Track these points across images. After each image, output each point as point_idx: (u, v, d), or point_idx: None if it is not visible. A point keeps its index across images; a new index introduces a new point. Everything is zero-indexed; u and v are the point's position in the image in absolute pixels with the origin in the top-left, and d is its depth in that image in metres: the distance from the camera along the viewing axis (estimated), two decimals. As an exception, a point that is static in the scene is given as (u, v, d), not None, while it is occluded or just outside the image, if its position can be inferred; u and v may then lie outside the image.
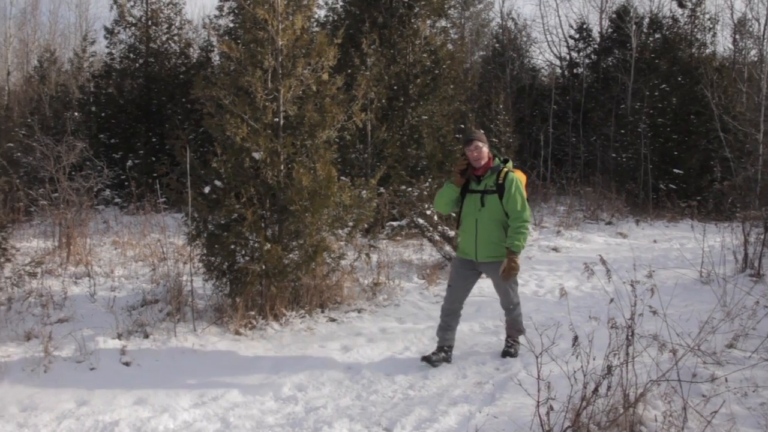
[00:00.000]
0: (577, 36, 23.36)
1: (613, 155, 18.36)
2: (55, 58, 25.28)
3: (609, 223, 13.79)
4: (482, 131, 5.24)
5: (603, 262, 4.02)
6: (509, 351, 5.29)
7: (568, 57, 24.03)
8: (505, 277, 4.84)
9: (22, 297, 6.50)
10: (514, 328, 5.31)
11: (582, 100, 21.33)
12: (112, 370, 4.80)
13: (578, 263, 9.09)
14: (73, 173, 9.99)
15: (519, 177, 4.95)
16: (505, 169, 4.90)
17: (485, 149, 4.88)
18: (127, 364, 4.89)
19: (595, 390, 3.36)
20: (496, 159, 4.99)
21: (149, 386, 4.52)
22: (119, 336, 5.36)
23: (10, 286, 6.68)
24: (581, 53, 23.38)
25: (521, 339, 5.26)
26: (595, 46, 23.19)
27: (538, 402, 3.31)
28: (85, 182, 9.67)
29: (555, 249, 10.57)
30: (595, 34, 23.48)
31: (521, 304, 5.40)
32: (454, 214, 5.88)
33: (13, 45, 31.51)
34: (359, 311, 6.46)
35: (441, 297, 7.15)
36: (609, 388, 3.48)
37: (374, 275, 7.31)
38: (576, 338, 3.50)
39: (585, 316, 5.79)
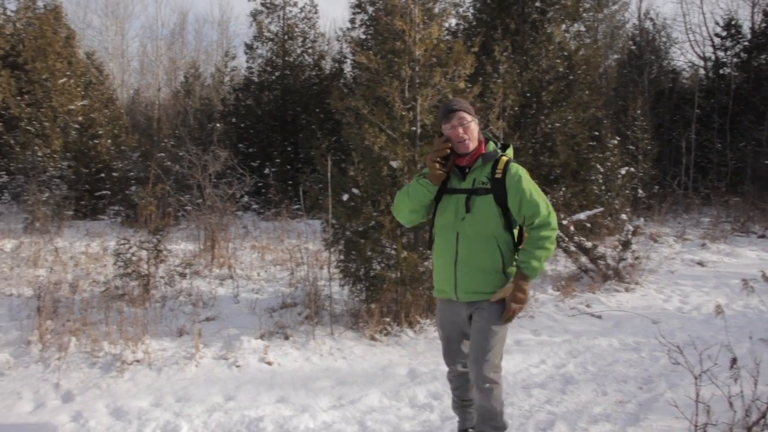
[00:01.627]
0: (724, 34, 21.77)
1: (767, 162, 16.91)
2: (199, 73, 27.13)
3: (762, 236, 12.72)
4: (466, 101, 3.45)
5: (766, 278, 3.70)
6: None
7: (713, 57, 22.47)
8: (507, 313, 3.13)
9: (174, 296, 7.00)
10: (487, 422, 3.30)
11: (729, 103, 19.81)
12: (255, 368, 5.04)
13: (727, 279, 8.49)
14: (215, 181, 10.64)
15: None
16: (505, 158, 3.22)
17: (474, 126, 3.22)
18: (269, 363, 5.11)
19: (761, 418, 3.10)
20: (490, 143, 3.30)
21: (290, 386, 4.70)
22: (261, 336, 5.61)
23: (164, 286, 7.21)
24: (729, 52, 21.75)
25: None
26: (746, 43, 21.47)
27: (696, 426, 3.10)
28: (228, 189, 10.27)
29: (700, 263, 9.89)
30: (746, 30, 21.80)
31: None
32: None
33: (164, 63, 34.23)
34: (492, 321, 6.37)
35: (578, 310, 6.93)
36: (774, 416, 3.20)
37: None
38: (734, 360, 3.25)
39: (738, 336, 5.41)
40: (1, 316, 6.23)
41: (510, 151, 3.32)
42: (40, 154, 15.18)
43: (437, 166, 3.19)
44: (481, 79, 9.43)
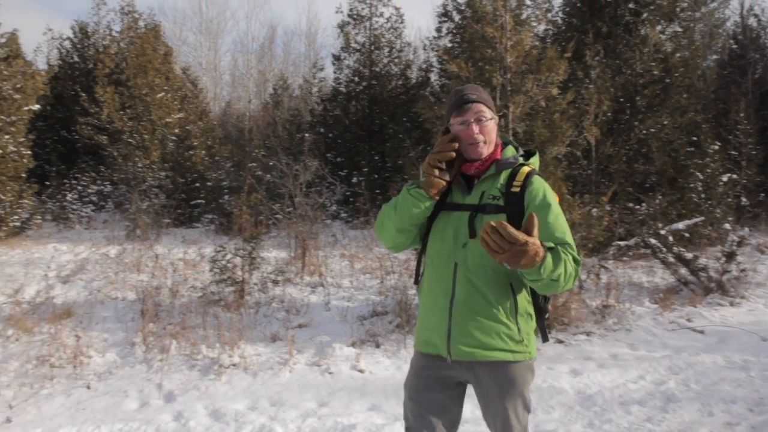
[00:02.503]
0: (839, 28, 20.29)
1: None
2: (287, 85, 27.88)
3: None
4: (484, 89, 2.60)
5: None
6: None
7: (826, 54, 20.99)
8: (505, 255, 2.01)
9: (267, 302, 7.18)
10: None
11: None
12: (347, 375, 5.10)
13: None
14: (306, 190, 10.85)
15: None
16: (527, 168, 2.43)
17: (493, 126, 2.43)
18: (360, 371, 5.15)
19: None
20: (509, 148, 2.52)
21: (381, 394, 4.71)
22: (353, 344, 5.67)
23: (257, 292, 7.41)
24: None
25: None
26: None
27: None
28: (318, 198, 10.47)
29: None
30: None
31: None
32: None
33: (253, 76, 35.42)
34: (588, 334, 6.18)
35: (677, 324, 6.62)
36: None
37: (602, 297, 6.95)
38: None
39: None
40: (108, 318, 6.59)
41: (535, 160, 2.54)
42: (140, 164, 16.02)
43: (436, 172, 2.35)
44: (571, 84, 9.25)
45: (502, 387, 2.37)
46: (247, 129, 24.97)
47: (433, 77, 18.84)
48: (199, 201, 15.67)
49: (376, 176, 16.28)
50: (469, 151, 2.38)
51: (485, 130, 2.37)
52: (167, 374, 5.02)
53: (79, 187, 17.51)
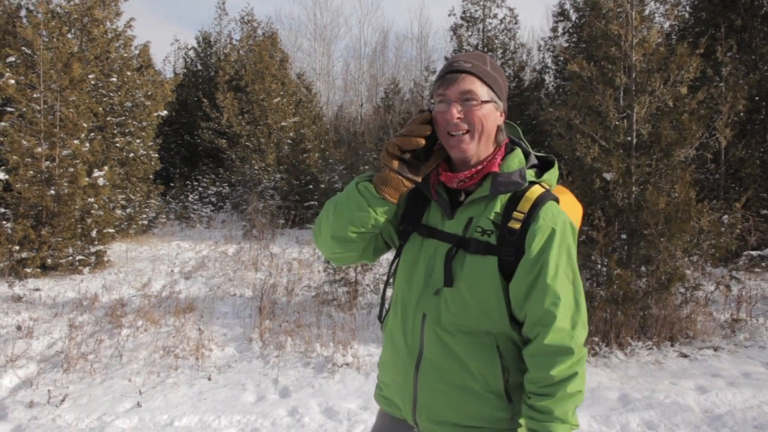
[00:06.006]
0: None
1: None
2: (399, 89, 28.13)
3: None
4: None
5: None
6: None
7: None
8: None
9: (379, 303, 7.23)
10: None
11: None
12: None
13: None
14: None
15: (571, 217, 1.63)
16: (538, 191, 1.59)
17: (490, 112, 1.59)
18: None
19: None
20: (514, 154, 1.64)
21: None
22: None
23: (370, 293, 7.49)
24: None
25: None
26: None
27: None
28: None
29: None
30: None
31: None
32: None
33: (365, 80, 36.04)
34: (715, 349, 5.77)
35: (822, 343, 6.05)
36: None
37: (732, 310, 6.47)
38: None
39: None
40: (227, 314, 6.88)
41: (551, 176, 1.68)
42: (256, 167, 16.71)
43: (395, 163, 1.60)
44: (698, 83, 8.69)
45: None
46: (360, 132, 25.43)
47: (548, 78, 18.36)
48: (312, 203, 16.10)
49: (485, 179, 16.08)
50: (448, 144, 1.60)
51: (473, 117, 1.56)
52: (283, 370, 5.15)
53: (200, 189, 18.52)
